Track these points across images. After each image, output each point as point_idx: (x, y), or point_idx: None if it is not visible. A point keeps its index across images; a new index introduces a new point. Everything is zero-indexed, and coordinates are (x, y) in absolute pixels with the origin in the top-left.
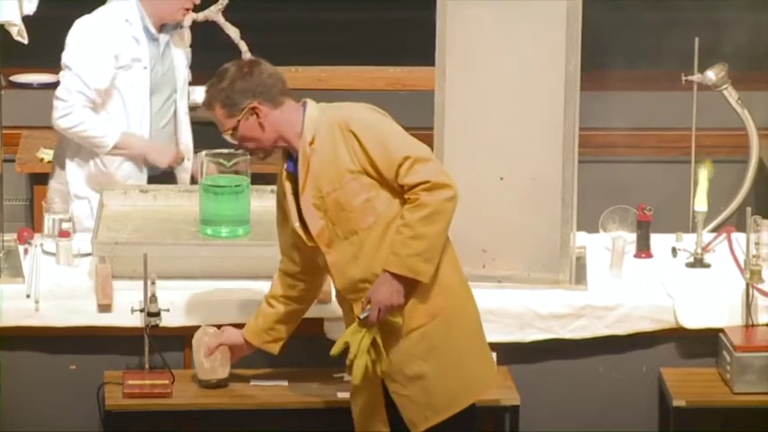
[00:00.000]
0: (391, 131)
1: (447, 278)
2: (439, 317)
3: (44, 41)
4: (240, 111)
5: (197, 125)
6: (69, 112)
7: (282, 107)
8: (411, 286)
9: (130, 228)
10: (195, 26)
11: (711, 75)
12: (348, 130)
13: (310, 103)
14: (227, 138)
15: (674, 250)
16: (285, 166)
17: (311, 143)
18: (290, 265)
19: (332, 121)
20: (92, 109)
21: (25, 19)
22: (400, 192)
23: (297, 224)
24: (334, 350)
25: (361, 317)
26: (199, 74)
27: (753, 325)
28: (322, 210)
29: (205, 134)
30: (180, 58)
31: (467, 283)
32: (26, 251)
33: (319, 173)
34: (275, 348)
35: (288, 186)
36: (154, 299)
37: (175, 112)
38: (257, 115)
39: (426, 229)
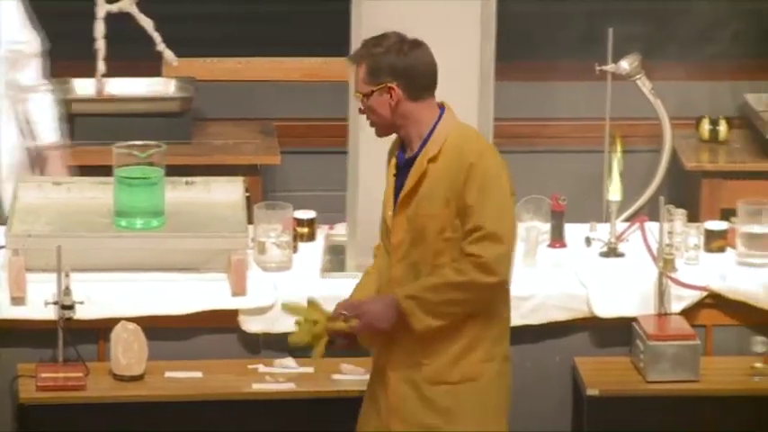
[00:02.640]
0: (496, 194)
1: (493, 348)
2: (473, 381)
3: None
4: (378, 83)
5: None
6: None
7: (419, 103)
8: (405, 325)
9: (44, 220)
10: (109, 17)
11: (625, 65)
12: (470, 164)
13: (447, 116)
14: (356, 98)
15: (587, 240)
16: (396, 153)
17: (432, 160)
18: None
19: (464, 148)
20: None
21: None
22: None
23: (390, 214)
24: (287, 308)
25: (341, 311)
26: (113, 65)
27: (666, 314)
28: (409, 225)
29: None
30: None
31: (508, 359)
32: None
33: (425, 192)
34: None
35: (391, 176)
36: (68, 291)
37: None
38: (390, 96)
39: (449, 293)
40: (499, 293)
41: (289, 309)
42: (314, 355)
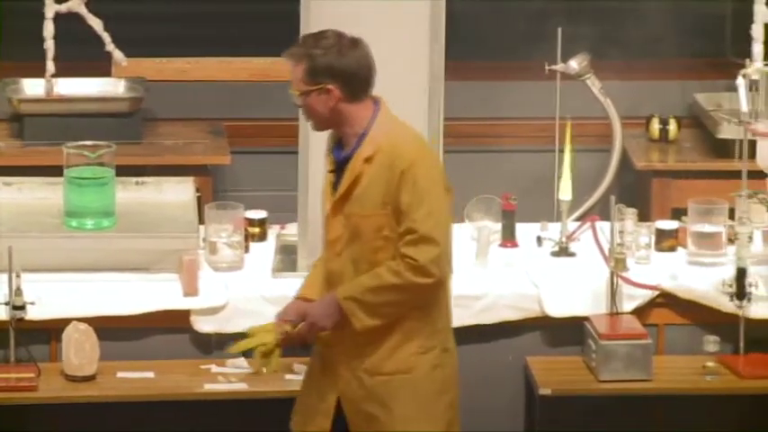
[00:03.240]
0: (429, 198)
1: (428, 341)
2: (405, 374)
3: None
4: (316, 84)
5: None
6: None
7: (356, 104)
8: (348, 321)
9: None
10: (58, 17)
11: (574, 64)
12: (401, 171)
13: (383, 113)
14: (292, 94)
15: (539, 239)
16: (332, 149)
17: (368, 160)
18: None
19: (397, 151)
20: None
21: None
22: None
23: (327, 213)
24: (239, 348)
25: (288, 318)
26: (62, 66)
27: (617, 313)
28: (346, 222)
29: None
30: None
31: (449, 351)
32: None
33: (360, 193)
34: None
35: (328, 171)
36: (19, 292)
37: None
38: (328, 96)
39: (388, 295)
40: (437, 290)
41: (239, 348)
42: (268, 371)
